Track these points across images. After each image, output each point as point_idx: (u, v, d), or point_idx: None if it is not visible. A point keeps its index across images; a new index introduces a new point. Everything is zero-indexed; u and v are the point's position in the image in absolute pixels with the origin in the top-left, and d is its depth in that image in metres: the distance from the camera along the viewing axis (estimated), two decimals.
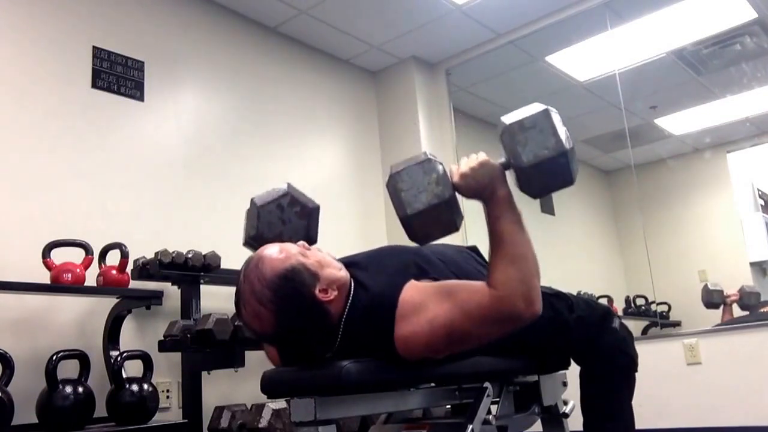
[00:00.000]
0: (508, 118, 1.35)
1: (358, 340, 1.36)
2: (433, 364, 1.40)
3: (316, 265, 1.35)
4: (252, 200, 1.53)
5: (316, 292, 1.32)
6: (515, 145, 1.32)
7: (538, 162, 1.30)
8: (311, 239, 1.53)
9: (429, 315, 1.30)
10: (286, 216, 1.51)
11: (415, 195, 1.32)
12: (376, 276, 1.42)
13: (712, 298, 3.61)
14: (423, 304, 1.32)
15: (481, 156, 1.36)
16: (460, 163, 1.37)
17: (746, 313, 3.59)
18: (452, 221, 1.35)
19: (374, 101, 4.29)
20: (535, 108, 1.34)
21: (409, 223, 1.34)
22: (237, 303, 1.35)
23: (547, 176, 1.33)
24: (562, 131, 1.31)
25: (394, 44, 3.98)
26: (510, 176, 1.37)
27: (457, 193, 1.35)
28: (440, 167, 1.34)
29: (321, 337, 1.37)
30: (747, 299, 3.63)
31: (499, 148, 1.37)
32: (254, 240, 1.52)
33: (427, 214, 1.32)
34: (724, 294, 3.62)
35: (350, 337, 1.37)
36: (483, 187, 1.34)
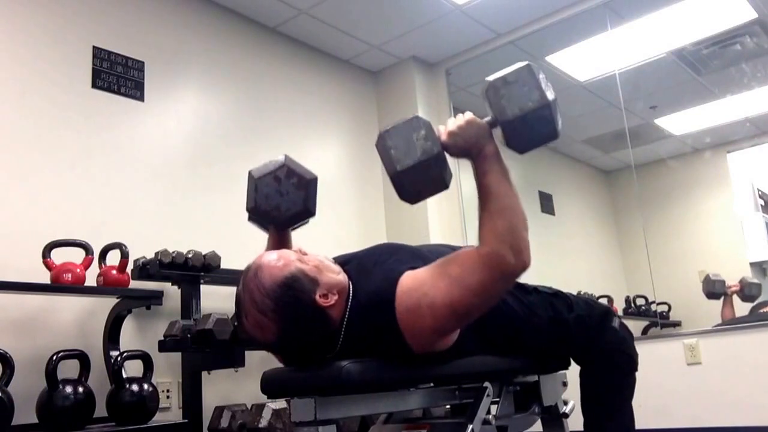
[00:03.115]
0: (492, 76, 1.37)
1: (362, 339, 1.36)
2: (433, 364, 1.40)
3: (315, 270, 1.35)
4: (250, 173, 1.53)
5: (317, 297, 1.32)
6: (499, 100, 1.34)
7: (523, 114, 1.32)
8: (309, 210, 1.53)
9: (428, 299, 1.30)
10: (284, 188, 1.50)
11: (404, 152, 1.33)
12: (373, 274, 1.42)
13: (714, 288, 3.61)
14: (420, 291, 1.31)
15: (468, 115, 1.38)
16: (447, 123, 1.38)
17: (746, 313, 3.59)
18: (442, 178, 1.36)
19: (374, 101, 4.29)
20: (518, 64, 1.36)
21: (399, 180, 1.34)
22: (238, 313, 1.35)
23: (533, 129, 1.35)
24: (545, 85, 1.33)
25: (394, 44, 3.98)
26: (497, 135, 1.38)
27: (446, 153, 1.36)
28: (427, 123, 1.35)
29: (323, 342, 1.37)
30: (748, 290, 3.62)
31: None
32: (252, 212, 1.52)
33: (416, 170, 1.33)
34: (726, 284, 3.62)
35: (353, 338, 1.36)
36: (471, 145, 1.36)
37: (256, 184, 1.51)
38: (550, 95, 1.33)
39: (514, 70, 1.35)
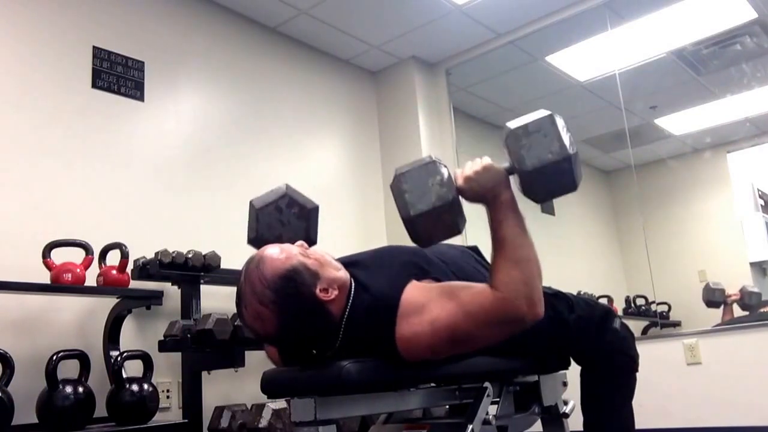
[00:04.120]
0: (513, 123, 1.36)
1: (360, 340, 1.36)
2: (433, 364, 1.40)
3: (317, 264, 1.35)
4: (251, 203, 1.54)
5: (317, 291, 1.32)
6: (519, 149, 1.32)
7: (542, 166, 1.31)
8: (311, 240, 1.54)
9: (431, 316, 1.30)
10: (285, 217, 1.51)
11: (419, 196, 1.32)
12: (377, 276, 1.42)
13: (714, 297, 3.61)
14: (425, 305, 1.32)
15: (486, 160, 1.37)
16: (464, 167, 1.38)
17: (746, 313, 3.59)
18: (455, 223, 1.36)
19: (374, 101, 4.29)
20: (539, 113, 1.35)
21: (412, 224, 1.34)
22: (238, 304, 1.35)
23: (551, 181, 1.34)
24: (566, 136, 1.32)
25: (394, 44, 3.98)
26: (513, 181, 1.38)
27: (460, 197, 1.36)
28: (445, 170, 1.35)
29: (322, 337, 1.37)
30: (748, 299, 3.63)
31: (501, 149, 1.38)
32: (254, 243, 1.52)
33: (430, 216, 1.32)
34: (726, 293, 3.62)
35: (351, 337, 1.37)
36: (487, 191, 1.35)
37: (258, 214, 1.51)
38: (570, 148, 1.31)
39: (535, 119, 1.34)
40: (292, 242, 1.43)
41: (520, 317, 1.29)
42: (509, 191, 1.36)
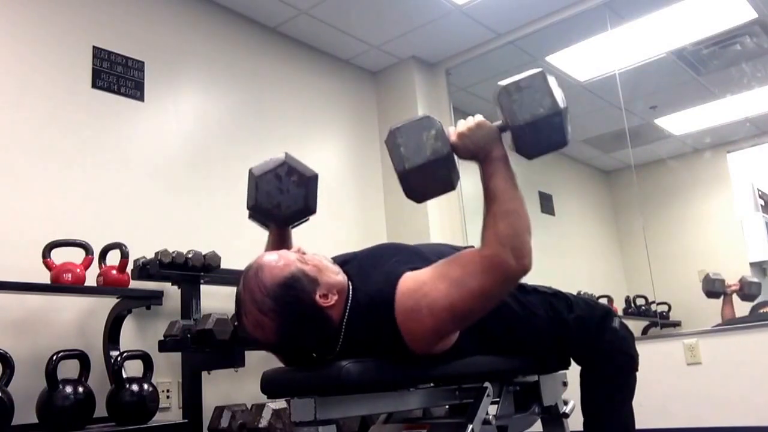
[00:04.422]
0: (505, 81, 1.37)
1: (362, 341, 1.35)
2: (433, 364, 1.40)
3: (315, 270, 1.35)
4: (250, 170, 1.53)
5: (317, 298, 1.32)
6: (511, 105, 1.34)
7: (534, 121, 1.33)
8: (310, 207, 1.53)
9: (428, 300, 1.30)
10: (284, 185, 1.50)
11: (413, 150, 1.33)
12: (372, 274, 1.42)
13: (714, 287, 3.62)
14: (420, 292, 1.31)
15: (478, 117, 1.38)
16: (457, 124, 1.39)
17: (746, 313, 3.59)
18: (449, 178, 1.37)
19: (374, 101, 4.29)
20: (531, 71, 1.37)
21: (406, 178, 1.35)
22: (237, 312, 1.35)
23: (543, 136, 1.35)
24: (557, 92, 1.34)
25: (394, 44, 3.98)
26: (506, 139, 1.39)
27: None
28: (439, 124, 1.36)
29: (323, 343, 1.37)
30: (748, 289, 3.63)
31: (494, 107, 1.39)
32: (253, 210, 1.52)
33: (425, 169, 1.33)
34: (725, 284, 3.62)
35: (353, 338, 1.36)
36: (479, 147, 1.36)
37: (257, 181, 1.51)
38: (561, 103, 1.33)
39: (527, 76, 1.35)
40: (291, 209, 1.43)
41: (509, 270, 1.29)
42: (501, 148, 1.37)
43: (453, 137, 1.37)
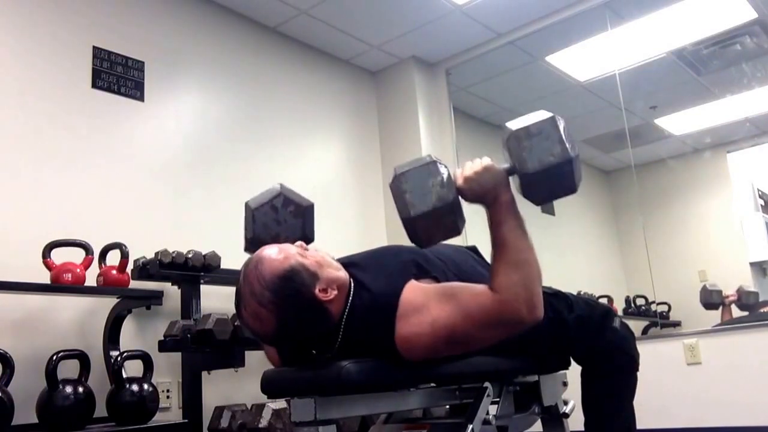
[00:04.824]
0: (514, 124, 1.35)
1: (359, 341, 1.36)
2: (433, 364, 1.40)
3: (315, 265, 1.35)
4: (246, 204, 1.54)
5: (316, 291, 1.32)
6: (521, 151, 1.32)
7: (544, 169, 1.31)
8: (307, 238, 1.53)
9: (431, 316, 1.30)
10: (281, 216, 1.51)
11: (419, 197, 1.32)
12: (376, 276, 1.42)
13: (711, 299, 3.62)
14: (424, 305, 1.32)
15: (486, 161, 1.37)
16: (464, 167, 1.37)
17: (746, 313, 3.59)
18: (455, 224, 1.36)
19: (374, 101, 4.29)
20: (541, 115, 1.35)
21: (412, 224, 1.34)
22: (237, 304, 1.35)
23: (552, 183, 1.34)
24: (567, 139, 1.32)
25: (394, 44, 3.98)
26: (513, 183, 1.38)
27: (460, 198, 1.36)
28: (445, 170, 1.34)
29: (321, 337, 1.37)
30: (746, 299, 3.63)
31: (501, 150, 1.38)
32: (251, 243, 1.52)
33: (430, 217, 1.32)
34: (723, 294, 3.62)
35: (351, 337, 1.37)
36: (486, 191, 1.35)
37: (254, 214, 1.51)
38: (572, 151, 1.31)
39: (537, 121, 1.33)
40: (290, 242, 1.43)
41: (519, 320, 1.30)
42: (509, 192, 1.36)
43: (459, 181, 1.35)
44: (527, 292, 1.29)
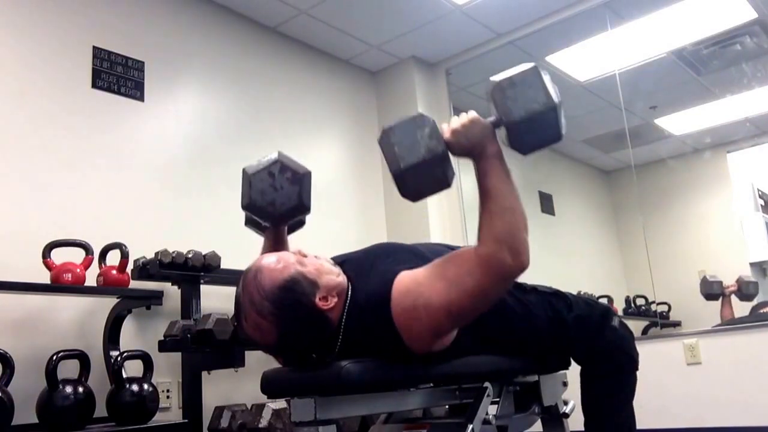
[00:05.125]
0: (499, 76, 1.36)
1: (359, 341, 1.35)
2: (433, 364, 1.40)
3: (315, 273, 1.35)
4: (243, 169, 1.53)
5: (317, 300, 1.32)
6: (505, 101, 1.33)
7: (529, 116, 1.32)
8: (304, 204, 1.52)
9: (424, 300, 1.29)
10: (278, 183, 1.50)
11: (408, 149, 1.32)
12: (369, 274, 1.41)
13: (712, 289, 3.62)
14: (416, 291, 1.31)
15: (472, 113, 1.37)
16: (451, 121, 1.38)
17: (746, 313, 3.59)
18: (445, 176, 1.36)
19: (374, 101, 4.29)
20: (524, 66, 1.36)
21: (402, 177, 1.34)
22: (237, 315, 1.35)
23: (538, 131, 1.35)
24: (551, 87, 1.33)
25: (394, 44, 3.98)
26: (500, 135, 1.38)
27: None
28: (432, 122, 1.35)
29: (322, 344, 1.37)
30: (746, 289, 3.64)
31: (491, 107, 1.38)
32: (247, 209, 1.52)
33: (420, 168, 1.32)
34: (723, 285, 3.62)
35: (351, 339, 1.36)
36: (474, 144, 1.35)
37: (251, 180, 1.51)
38: (555, 98, 1.32)
39: (520, 71, 1.34)
40: (285, 206, 1.42)
41: (506, 269, 1.28)
42: (496, 144, 1.36)
43: (447, 134, 1.36)
44: (511, 238, 1.28)
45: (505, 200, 1.32)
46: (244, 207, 1.52)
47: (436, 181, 1.36)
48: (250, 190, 1.49)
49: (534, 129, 1.34)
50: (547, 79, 1.34)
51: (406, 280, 1.34)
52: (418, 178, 1.34)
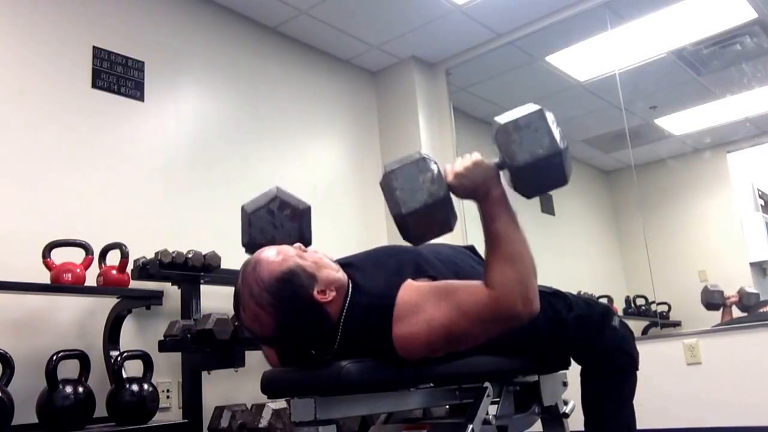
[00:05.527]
0: (503, 118, 1.35)
1: (358, 341, 1.36)
2: (433, 364, 1.40)
3: (314, 266, 1.35)
4: (242, 207, 1.53)
5: (315, 293, 1.32)
6: (510, 145, 1.32)
7: (533, 161, 1.30)
8: (305, 240, 1.53)
9: (427, 315, 1.30)
10: (278, 220, 1.50)
11: (410, 194, 1.32)
12: (373, 276, 1.42)
13: (713, 299, 3.62)
14: (420, 305, 1.32)
15: (475, 156, 1.36)
16: (454, 163, 1.37)
17: (746, 313, 3.59)
18: (447, 220, 1.36)
19: (374, 101, 4.29)
20: (529, 108, 1.34)
21: (404, 222, 1.34)
22: (236, 306, 1.35)
23: (542, 176, 1.34)
24: (556, 131, 1.31)
25: (394, 44, 3.98)
26: (504, 177, 1.37)
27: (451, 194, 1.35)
28: (435, 166, 1.34)
29: (320, 339, 1.37)
30: (746, 300, 3.64)
31: (495, 149, 1.38)
32: (248, 247, 1.52)
33: (422, 213, 1.32)
34: (724, 295, 3.63)
35: (349, 338, 1.37)
36: (477, 186, 1.34)
37: (250, 218, 1.50)
38: (561, 143, 1.30)
39: (525, 114, 1.33)
40: (286, 243, 1.43)
41: (515, 315, 1.29)
42: (500, 187, 1.36)
43: (450, 177, 1.35)
44: (522, 286, 1.29)
45: (514, 246, 1.32)
46: (245, 245, 1.52)
47: (439, 225, 1.36)
48: (249, 228, 1.49)
49: (538, 174, 1.32)
50: (552, 122, 1.32)
51: (412, 290, 1.35)
52: (420, 222, 1.33)
